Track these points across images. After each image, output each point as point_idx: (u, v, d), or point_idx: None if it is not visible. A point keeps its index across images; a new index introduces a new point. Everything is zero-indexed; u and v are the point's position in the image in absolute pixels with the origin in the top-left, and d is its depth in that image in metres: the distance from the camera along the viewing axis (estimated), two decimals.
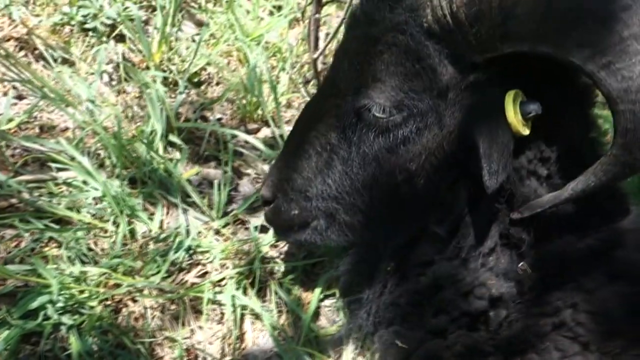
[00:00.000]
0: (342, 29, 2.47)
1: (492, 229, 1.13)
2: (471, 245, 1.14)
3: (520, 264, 1.13)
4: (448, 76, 1.08)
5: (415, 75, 1.09)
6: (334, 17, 2.67)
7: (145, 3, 2.49)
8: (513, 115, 1.01)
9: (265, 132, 2.20)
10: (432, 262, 1.19)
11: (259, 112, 2.19)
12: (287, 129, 2.23)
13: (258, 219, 1.82)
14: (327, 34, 2.51)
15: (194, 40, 2.43)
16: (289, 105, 2.34)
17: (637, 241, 1.13)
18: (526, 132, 1.03)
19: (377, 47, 1.12)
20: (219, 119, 2.20)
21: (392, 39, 1.10)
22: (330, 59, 2.36)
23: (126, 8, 2.31)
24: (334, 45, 2.48)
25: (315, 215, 1.36)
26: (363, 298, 1.33)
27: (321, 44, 1.86)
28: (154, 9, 2.45)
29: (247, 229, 1.83)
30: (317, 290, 1.70)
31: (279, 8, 2.69)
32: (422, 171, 1.15)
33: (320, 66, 1.80)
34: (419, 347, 1.21)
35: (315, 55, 1.71)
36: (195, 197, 1.80)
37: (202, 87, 2.35)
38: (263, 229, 1.79)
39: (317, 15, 1.66)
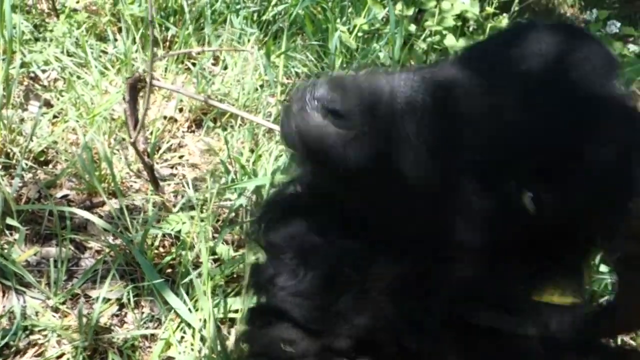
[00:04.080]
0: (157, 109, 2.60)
1: None
2: None
3: None
4: None
5: None
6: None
7: None
8: None
9: (112, 203, 2.27)
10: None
11: (104, 185, 2.27)
12: (139, 197, 2.33)
13: (97, 291, 1.88)
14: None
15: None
16: (138, 176, 2.43)
17: None
18: None
19: None
20: (65, 196, 2.26)
21: None
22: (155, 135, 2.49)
23: None
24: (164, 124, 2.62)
25: None
26: None
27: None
28: None
29: (86, 302, 1.88)
30: (156, 352, 1.78)
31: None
32: None
33: (142, 146, 1.91)
34: None
35: (132, 139, 1.83)
36: (29, 278, 1.84)
37: (50, 166, 2.41)
38: (101, 301, 1.85)
39: (129, 100, 1.79)
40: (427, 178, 0.99)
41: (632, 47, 2.66)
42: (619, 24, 2.74)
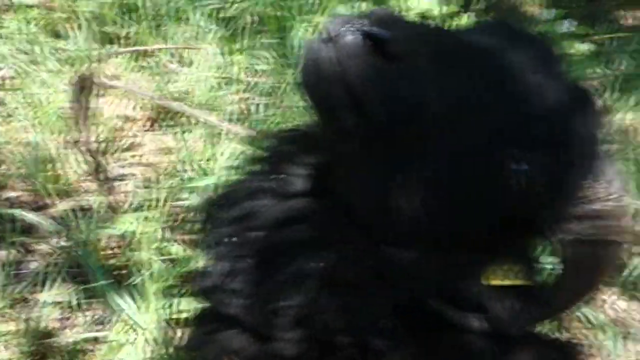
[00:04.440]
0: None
1: None
2: None
3: None
4: None
5: None
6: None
7: None
8: None
9: (64, 204, 2.23)
10: None
11: (56, 186, 2.23)
12: (91, 198, 2.28)
13: (43, 295, 1.85)
14: None
15: None
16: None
17: None
18: None
19: None
20: (16, 197, 2.22)
21: None
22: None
23: None
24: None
25: None
26: None
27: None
28: None
29: (35, 305, 1.85)
30: (102, 355, 1.76)
31: None
32: None
33: (88, 146, 1.88)
34: None
35: (76, 139, 1.80)
36: None
37: (2, 167, 2.36)
38: (48, 304, 1.82)
39: (74, 100, 1.76)
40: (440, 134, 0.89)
41: (584, 46, 2.69)
42: (575, 22, 2.77)
